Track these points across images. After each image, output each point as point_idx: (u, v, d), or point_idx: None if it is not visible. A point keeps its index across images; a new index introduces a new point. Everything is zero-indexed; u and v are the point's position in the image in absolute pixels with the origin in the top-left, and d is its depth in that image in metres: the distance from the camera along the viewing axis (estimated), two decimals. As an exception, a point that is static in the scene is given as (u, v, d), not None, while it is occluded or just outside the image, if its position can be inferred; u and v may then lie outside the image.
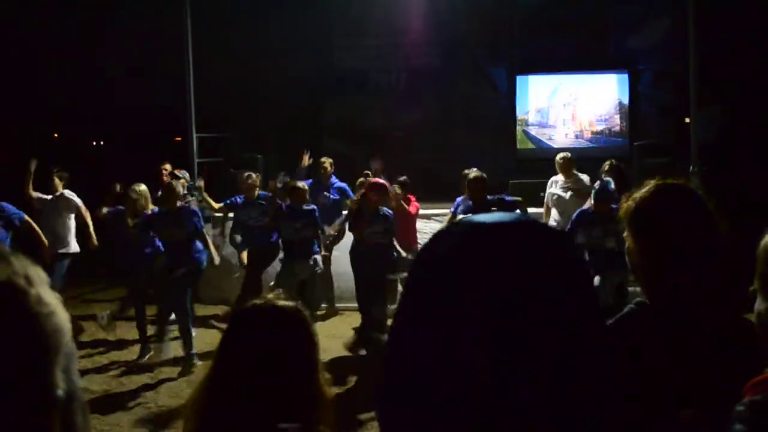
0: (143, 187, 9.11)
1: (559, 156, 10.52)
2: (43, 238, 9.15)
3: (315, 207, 9.52)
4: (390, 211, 9.17)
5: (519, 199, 9.44)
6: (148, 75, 17.13)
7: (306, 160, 11.20)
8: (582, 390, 0.91)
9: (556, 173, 10.53)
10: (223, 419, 1.93)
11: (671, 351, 1.80)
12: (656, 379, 1.75)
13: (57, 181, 10.05)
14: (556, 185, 10.42)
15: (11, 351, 0.78)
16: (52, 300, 0.83)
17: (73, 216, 10.08)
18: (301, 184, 9.54)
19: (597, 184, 8.69)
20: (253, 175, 10.29)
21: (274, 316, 2.04)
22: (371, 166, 11.81)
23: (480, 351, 0.88)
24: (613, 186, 8.59)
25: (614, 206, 8.54)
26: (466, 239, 0.96)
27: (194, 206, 9.37)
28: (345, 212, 10.07)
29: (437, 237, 1.00)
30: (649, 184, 2.10)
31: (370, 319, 8.78)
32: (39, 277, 0.83)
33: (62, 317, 0.84)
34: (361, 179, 10.20)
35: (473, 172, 9.12)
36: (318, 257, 9.39)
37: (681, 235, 1.93)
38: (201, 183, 10.67)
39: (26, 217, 9.02)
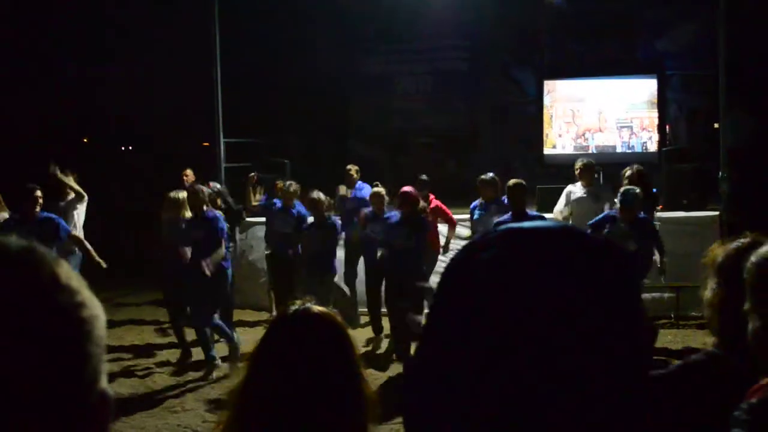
0: (184, 193, 9.08)
1: (578, 161, 10.17)
2: (92, 251, 8.99)
3: (337, 221, 9.58)
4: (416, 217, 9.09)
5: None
6: (177, 80, 17.24)
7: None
8: (619, 411, 0.87)
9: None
10: (265, 423, 1.94)
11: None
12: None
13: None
14: (573, 194, 9.95)
15: (66, 356, 0.80)
16: (96, 304, 0.85)
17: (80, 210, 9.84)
18: (317, 194, 9.44)
19: (622, 191, 8.49)
20: (295, 184, 10.26)
21: (311, 320, 2.04)
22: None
23: (517, 362, 0.84)
24: (638, 191, 8.45)
25: (641, 215, 8.46)
26: (508, 245, 0.91)
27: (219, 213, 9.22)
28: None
29: (475, 243, 0.95)
30: (746, 236, 2.06)
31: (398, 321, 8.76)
32: (82, 281, 0.85)
33: (103, 321, 0.86)
34: (376, 189, 10.03)
35: (513, 180, 8.87)
36: (335, 278, 9.41)
37: None
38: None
39: (73, 232, 9.03)
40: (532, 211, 9.30)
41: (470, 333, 0.87)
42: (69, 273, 0.84)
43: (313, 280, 9.04)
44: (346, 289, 10.62)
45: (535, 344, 0.84)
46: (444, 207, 10.44)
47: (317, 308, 2.08)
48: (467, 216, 10.16)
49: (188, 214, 8.80)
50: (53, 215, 8.73)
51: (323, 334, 2.02)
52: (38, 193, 8.53)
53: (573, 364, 0.85)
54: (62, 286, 0.82)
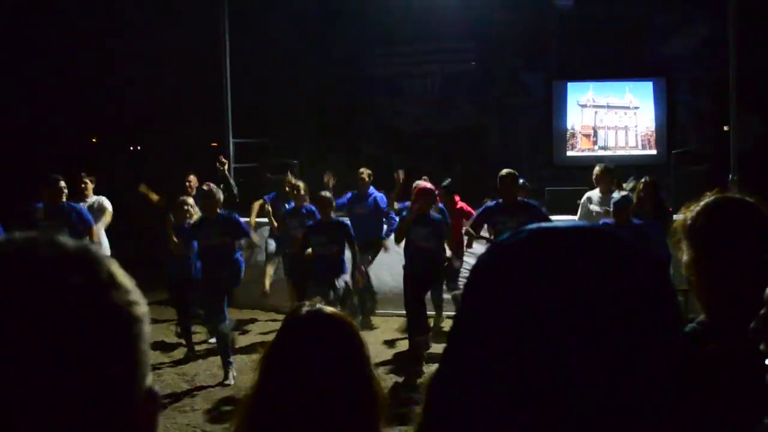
0: (191, 200, 9.19)
1: (597, 167, 10.06)
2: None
3: (345, 221, 9.40)
4: (439, 216, 9.00)
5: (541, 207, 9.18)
6: (186, 80, 17.26)
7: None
8: (650, 410, 0.86)
9: (591, 181, 10.18)
10: (276, 424, 1.94)
11: (730, 371, 1.74)
12: (714, 395, 1.70)
13: (90, 186, 9.84)
14: (591, 202, 9.91)
15: (123, 354, 0.82)
16: (143, 301, 0.87)
17: (102, 223, 9.66)
18: (325, 193, 9.35)
19: (614, 195, 8.54)
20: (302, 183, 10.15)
21: (322, 321, 2.05)
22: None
23: (548, 366, 0.82)
24: (628, 195, 8.47)
25: (635, 220, 8.45)
26: (538, 246, 0.88)
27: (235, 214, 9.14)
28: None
29: (502, 243, 0.92)
30: (706, 197, 2.07)
31: (415, 325, 8.77)
32: (131, 279, 0.87)
33: (149, 319, 0.88)
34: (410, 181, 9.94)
35: (504, 170, 8.76)
36: (346, 277, 8.99)
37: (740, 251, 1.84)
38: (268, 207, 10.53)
39: (94, 228, 9.08)
40: (530, 200, 9.11)
41: (499, 336, 0.85)
42: (122, 271, 0.86)
43: (323, 283, 8.70)
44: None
45: (567, 347, 0.82)
46: (468, 208, 10.36)
47: (328, 309, 2.08)
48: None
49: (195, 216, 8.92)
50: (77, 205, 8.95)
51: (334, 334, 2.02)
52: (62, 183, 8.76)
53: (609, 371, 0.82)
54: (119, 285, 0.83)
